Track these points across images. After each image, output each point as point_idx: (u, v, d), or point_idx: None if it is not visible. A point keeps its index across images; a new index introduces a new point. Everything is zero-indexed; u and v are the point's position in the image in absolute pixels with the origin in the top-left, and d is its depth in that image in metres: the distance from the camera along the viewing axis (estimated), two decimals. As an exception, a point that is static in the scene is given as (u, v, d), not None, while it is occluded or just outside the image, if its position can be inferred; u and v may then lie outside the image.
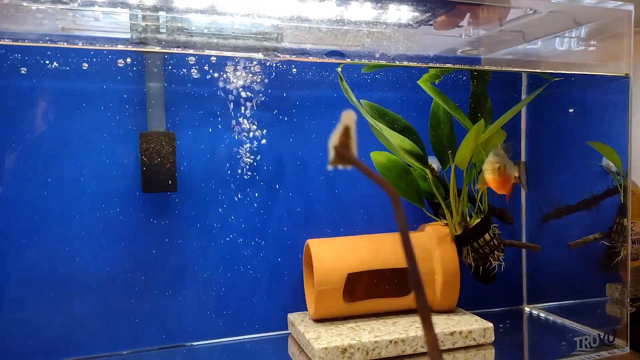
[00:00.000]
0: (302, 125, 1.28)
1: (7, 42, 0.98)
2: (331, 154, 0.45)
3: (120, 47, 1.10)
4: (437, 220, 1.28)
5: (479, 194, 1.24)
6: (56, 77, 1.12)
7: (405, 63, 1.12)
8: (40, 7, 1.07)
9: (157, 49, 1.03)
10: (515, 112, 1.20)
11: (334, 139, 0.44)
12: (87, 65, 1.14)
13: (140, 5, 1.09)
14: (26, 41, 1.03)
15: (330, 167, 0.45)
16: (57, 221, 1.13)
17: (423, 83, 1.19)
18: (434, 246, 1.22)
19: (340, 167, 0.45)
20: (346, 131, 0.45)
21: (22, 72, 1.10)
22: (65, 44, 1.05)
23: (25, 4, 1.06)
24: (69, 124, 1.13)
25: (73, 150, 1.13)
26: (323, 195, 1.31)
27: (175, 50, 1.06)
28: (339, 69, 1.15)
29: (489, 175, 1.12)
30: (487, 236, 1.24)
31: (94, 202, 1.15)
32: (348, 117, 0.45)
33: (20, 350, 1.10)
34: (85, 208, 1.14)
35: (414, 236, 1.26)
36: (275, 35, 1.07)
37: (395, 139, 1.15)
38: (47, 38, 1.03)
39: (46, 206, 1.12)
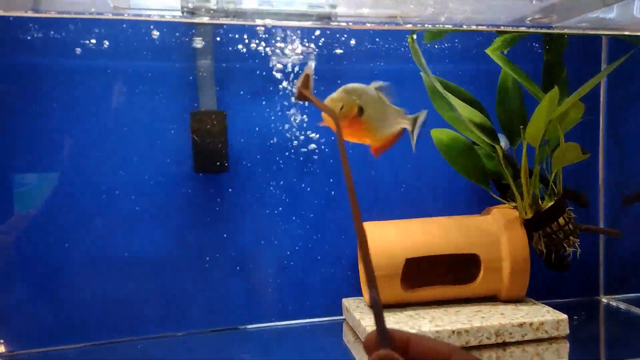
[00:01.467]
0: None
1: (53, 14, 0.97)
2: (295, 93, 0.65)
3: (168, 17, 1.06)
4: (504, 203, 1.18)
5: (553, 174, 1.12)
6: (105, 57, 1.11)
7: (473, 27, 1.01)
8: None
9: (206, 19, 0.99)
10: (596, 83, 1.07)
11: (298, 83, 0.63)
12: (136, 44, 1.12)
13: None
14: (73, 14, 1.01)
15: (294, 100, 0.67)
16: (110, 203, 1.13)
17: (492, 52, 1.08)
18: (502, 231, 1.13)
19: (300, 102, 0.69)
20: (307, 77, 0.62)
21: (76, 51, 1.09)
22: (112, 15, 1.02)
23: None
24: (119, 104, 1.12)
25: (124, 130, 1.13)
26: (382, 177, 1.24)
27: (224, 21, 1.01)
28: (413, 36, 1.04)
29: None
30: (561, 220, 1.12)
31: (145, 183, 1.14)
32: (308, 68, 0.65)
33: (75, 329, 1.12)
34: (137, 189, 1.14)
35: (479, 220, 1.16)
36: (333, 2, 1.00)
37: (465, 110, 1.05)
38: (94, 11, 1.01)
39: (98, 188, 1.12)
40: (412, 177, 1.25)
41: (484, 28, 1.05)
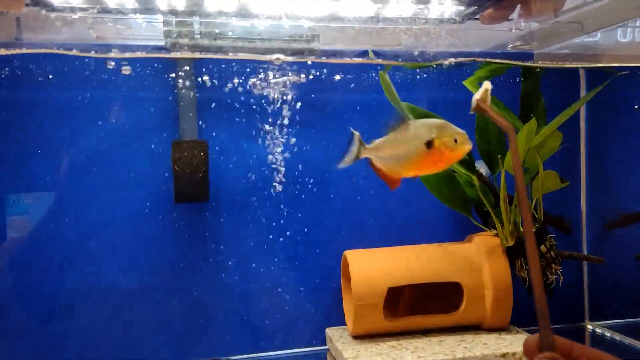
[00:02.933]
0: (339, 131, 1.21)
1: (40, 50, 0.97)
2: (473, 104, 0.72)
3: (153, 54, 1.07)
4: (486, 230, 1.18)
5: (533, 201, 1.13)
6: (86, 86, 1.11)
7: (447, 60, 1.03)
8: (74, 17, 1.07)
9: (188, 54, 1.00)
10: (574, 111, 1.09)
11: (477, 96, 0.71)
12: (118, 73, 1.12)
13: (173, 11, 1.06)
14: (61, 49, 1.02)
15: (471, 112, 0.73)
16: (91, 233, 1.12)
17: (469, 84, 1.09)
18: (484, 259, 1.12)
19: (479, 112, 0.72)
20: (486, 91, 0.71)
21: (52, 80, 1.09)
22: (95, 52, 1.03)
23: (60, 14, 1.06)
24: (100, 133, 1.12)
25: (105, 160, 1.12)
26: (362, 204, 1.24)
27: (206, 55, 1.03)
28: (385, 72, 1.06)
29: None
30: (543, 248, 1.13)
31: (127, 212, 1.13)
32: (488, 83, 0.72)
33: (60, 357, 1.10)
34: (118, 219, 1.13)
35: (461, 248, 1.16)
36: (309, 37, 1.01)
37: None
38: (81, 48, 1.02)
39: (80, 218, 1.11)
40: (394, 204, 1.25)
41: (460, 59, 1.06)
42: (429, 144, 0.86)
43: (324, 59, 1.04)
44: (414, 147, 0.87)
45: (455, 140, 0.86)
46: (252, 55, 0.99)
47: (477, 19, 1.22)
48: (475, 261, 1.13)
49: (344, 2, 1.03)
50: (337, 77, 1.19)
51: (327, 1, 1.02)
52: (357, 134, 0.94)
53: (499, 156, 1.10)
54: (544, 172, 1.10)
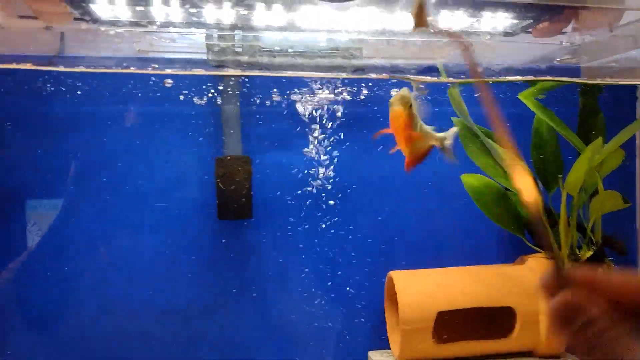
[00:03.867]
0: (387, 147, 1.17)
1: (81, 69, 0.96)
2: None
3: (197, 71, 1.05)
4: (539, 252, 1.13)
5: (591, 222, 1.07)
6: (130, 101, 1.10)
7: (504, 78, 0.99)
8: (118, 31, 1.06)
9: (232, 71, 0.98)
10: (638, 129, 1.03)
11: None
12: (162, 88, 1.11)
13: (219, 25, 1.04)
14: (102, 68, 1.01)
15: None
16: (133, 249, 1.10)
17: (525, 98, 1.05)
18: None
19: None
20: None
21: (100, 97, 1.08)
22: (135, 68, 1.01)
23: (103, 28, 1.05)
24: (143, 149, 1.10)
25: (147, 175, 1.10)
26: (408, 222, 1.20)
27: (252, 72, 1.01)
28: (454, 87, 1.02)
29: (396, 107, 0.80)
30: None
31: (168, 228, 1.11)
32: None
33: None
34: (161, 235, 1.11)
35: (514, 270, 1.11)
36: (357, 51, 0.98)
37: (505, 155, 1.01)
38: (125, 64, 1.01)
39: (121, 234, 1.09)
40: (441, 222, 1.21)
41: (518, 78, 1.02)
42: None
43: (373, 75, 1.01)
44: None
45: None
46: (297, 72, 0.96)
47: (529, 32, 1.19)
48: (530, 285, 1.07)
49: (393, 15, 1.00)
50: (385, 91, 1.16)
51: (376, 14, 0.99)
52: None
53: (559, 175, 1.04)
54: (604, 192, 1.04)
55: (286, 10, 0.99)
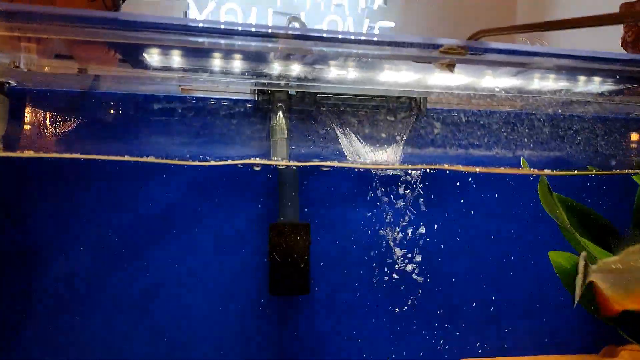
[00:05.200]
0: (463, 216, 1.04)
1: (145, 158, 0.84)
2: None
3: (256, 161, 0.91)
4: (633, 344, 0.99)
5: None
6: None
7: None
8: (164, 76, 0.94)
9: (286, 162, 0.86)
10: None
11: None
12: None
13: (286, 76, 0.91)
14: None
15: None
16: (174, 324, 0.96)
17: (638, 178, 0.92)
18: (637, 384, 0.94)
19: None
20: None
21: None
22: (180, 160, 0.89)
23: (148, 73, 0.92)
24: (188, 206, 0.97)
25: (191, 240, 0.97)
26: (482, 304, 1.06)
27: (313, 163, 0.89)
28: (544, 180, 0.89)
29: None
30: None
31: (214, 304, 0.97)
32: None
33: None
34: (204, 311, 0.97)
35: (605, 365, 0.98)
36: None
37: (602, 256, 0.88)
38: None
39: (162, 304, 0.95)
40: (519, 305, 1.07)
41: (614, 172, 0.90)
42: None
43: (460, 167, 0.88)
44: None
45: None
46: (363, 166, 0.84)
47: (622, 92, 1.07)
48: (627, 386, 0.94)
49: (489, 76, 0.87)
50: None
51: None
52: (583, 254, 0.77)
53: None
54: None
55: (361, 71, 0.87)
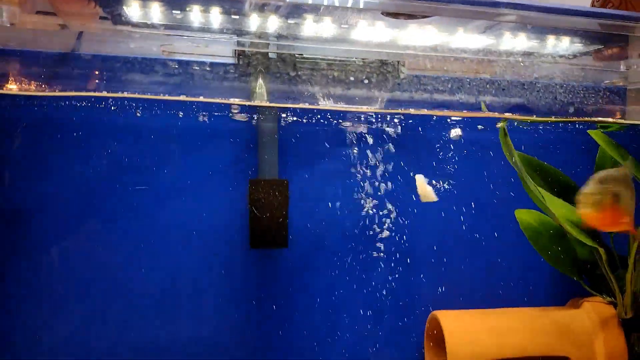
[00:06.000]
0: (433, 172, 1.08)
1: (125, 94, 0.86)
2: None
3: (235, 101, 0.94)
4: (596, 296, 1.05)
5: None
6: (160, 116, 0.99)
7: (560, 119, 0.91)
8: (147, 32, 0.95)
9: (264, 103, 0.90)
10: None
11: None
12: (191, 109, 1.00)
13: (261, 33, 0.94)
14: (137, 93, 0.91)
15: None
16: (158, 276, 0.99)
17: (596, 135, 0.97)
18: (597, 331, 0.99)
19: None
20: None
21: (137, 114, 0.97)
22: (166, 95, 0.91)
23: (128, 29, 0.94)
24: (172, 168, 0.99)
25: (174, 198, 0.99)
26: (453, 258, 1.10)
27: (289, 105, 0.92)
28: (503, 124, 0.94)
29: (584, 209, 0.81)
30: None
31: (196, 257, 1.00)
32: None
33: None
34: (186, 264, 1.00)
35: (569, 316, 1.03)
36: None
37: (560, 209, 0.93)
38: (161, 91, 0.91)
39: (147, 259, 0.98)
40: (487, 260, 1.12)
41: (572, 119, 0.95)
42: None
43: (425, 111, 0.92)
44: None
45: None
46: (335, 106, 0.88)
47: (589, 54, 1.12)
48: (587, 333, 0.99)
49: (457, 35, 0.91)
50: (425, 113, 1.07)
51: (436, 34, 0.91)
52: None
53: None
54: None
55: (337, 24, 0.89)
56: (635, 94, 1.27)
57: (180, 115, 0.99)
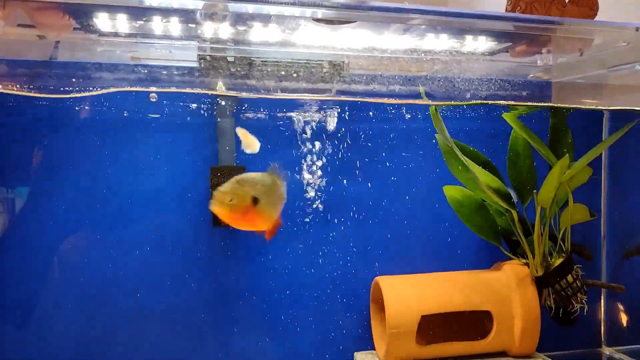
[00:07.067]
0: (372, 158, 1.24)
1: (99, 91, 1.00)
2: None
3: (193, 90, 1.09)
4: (514, 259, 1.21)
5: (561, 232, 1.16)
6: (123, 108, 1.12)
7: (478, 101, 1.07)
8: (116, 40, 1.09)
9: (223, 91, 1.04)
10: (605, 147, 1.12)
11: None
12: (157, 97, 1.14)
13: (216, 39, 1.08)
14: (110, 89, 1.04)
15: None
16: (125, 255, 1.12)
17: (509, 117, 1.13)
18: (514, 288, 1.15)
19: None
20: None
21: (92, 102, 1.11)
22: (139, 87, 1.05)
23: (100, 38, 1.08)
24: (138, 155, 1.13)
25: (142, 182, 1.13)
26: (393, 229, 1.26)
27: (245, 95, 1.07)
28: (436, 108, 1.10)
29: (214, 207, 0.88)
30: (569, 277, 1.16)
31: (163, 235, 1.14)
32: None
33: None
34: (154, 241, 1.14)
35: (492, 276, 1.19)
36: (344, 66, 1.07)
37: (482, 176, 1.09)
38: (125, 83, 1.04)
39: (112, 239, 1.12)
40: (424, 231, 1.28)
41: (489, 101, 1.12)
42: None
43: (370, 99, 1.08)
44: None
45: None
46: (289, 95, 1.03)
47: (507, 52, 1.28)
48: (506, 290, 1.16)
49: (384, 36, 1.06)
50: (372, 106, 1.22)
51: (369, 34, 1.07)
52: None
53: (535, 191, 1.13)
54: (573, 205, 1.13)
55: (282, 29, 1.04)
56: (558, 87, 1.45)
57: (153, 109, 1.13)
